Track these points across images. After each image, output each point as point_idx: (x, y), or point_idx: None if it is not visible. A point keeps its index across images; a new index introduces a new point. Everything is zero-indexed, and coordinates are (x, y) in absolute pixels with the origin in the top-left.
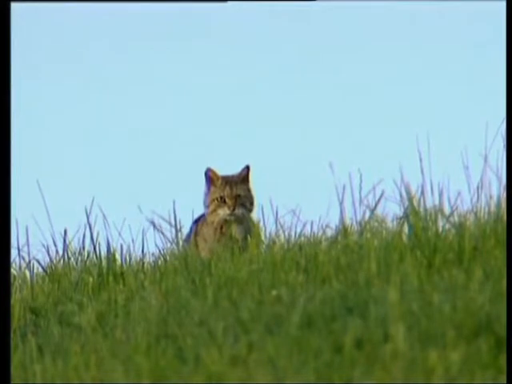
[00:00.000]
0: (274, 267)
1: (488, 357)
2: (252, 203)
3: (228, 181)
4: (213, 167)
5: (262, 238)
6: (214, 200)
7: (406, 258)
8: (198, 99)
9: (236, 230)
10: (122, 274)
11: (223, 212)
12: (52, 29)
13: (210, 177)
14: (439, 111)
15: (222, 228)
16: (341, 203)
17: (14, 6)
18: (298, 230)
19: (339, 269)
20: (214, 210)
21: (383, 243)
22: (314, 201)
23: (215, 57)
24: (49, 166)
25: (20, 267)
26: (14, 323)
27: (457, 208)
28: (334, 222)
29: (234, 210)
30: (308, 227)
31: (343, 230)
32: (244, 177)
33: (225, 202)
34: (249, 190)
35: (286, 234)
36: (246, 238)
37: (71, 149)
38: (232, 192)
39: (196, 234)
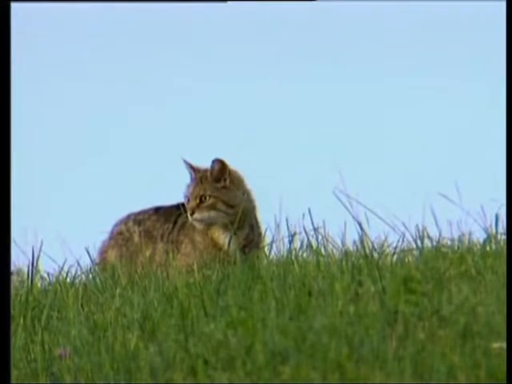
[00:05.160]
0: None
1: None
2: (231, 205)
3: (200, 177)
4: (188, 159)
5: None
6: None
7: None
8: (199, 100)
9: (223, 240)
10: None
11: (188, 215)
12: (52, 29)
13: (189, 171)
14: (446, 109)
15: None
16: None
17: (13, 6)
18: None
19: None
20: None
21: None
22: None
23: (215, 57)
24: (49, 166)
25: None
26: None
27: None
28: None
29: (192, 213)
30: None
31: None
32: (218, 172)
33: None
34: (224, 188)
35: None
36: (245, 249)
37: (71, 148)
38: (194, 191)
39: (182, 228)
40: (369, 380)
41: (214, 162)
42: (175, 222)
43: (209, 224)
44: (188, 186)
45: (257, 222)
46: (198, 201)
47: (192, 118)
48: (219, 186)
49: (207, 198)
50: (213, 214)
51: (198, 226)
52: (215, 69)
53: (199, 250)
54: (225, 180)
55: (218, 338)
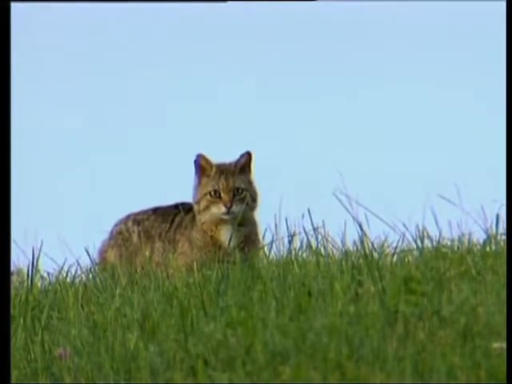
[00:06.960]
0: None
1: None
2: (255, 199)
3: (224, 170)
4: (204, 153)
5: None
6: (205, 194)
7: None
8: (197, 100)
9: (225, 236)
10: None
11: (218, 210)
12: (52, 29)
13: (201, 165)
14: (449, 110)
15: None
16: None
17: (13, 6)
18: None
19: None
20: (207, 208)
21: None
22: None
23: (214, 57)
24: (49, 166)
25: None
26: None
27: None
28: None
29: (231, 207)
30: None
31: None
32: (243, 165)
33: (220, 196)
34: (250, 183)
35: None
36: (244, 247)
37: (71, 148)
38: (228, 184)
39: (179, 227)
40: (369, 380)
41: (243, 154)
42: (172, 222)
43: (235, 219)
44: (204, 182)
45: (256, 222)
46: (232, 194)
47: (191, 118)
48: (246, 179)
49: (240, 190)
50: (243, 207)
51: (230, 221)
52: (215, 69)
53: (197, 248)
54: (248, 174)
55: (217, 338)
